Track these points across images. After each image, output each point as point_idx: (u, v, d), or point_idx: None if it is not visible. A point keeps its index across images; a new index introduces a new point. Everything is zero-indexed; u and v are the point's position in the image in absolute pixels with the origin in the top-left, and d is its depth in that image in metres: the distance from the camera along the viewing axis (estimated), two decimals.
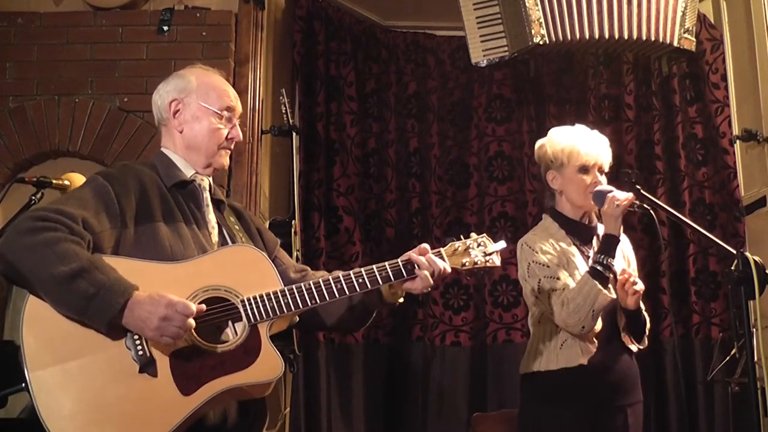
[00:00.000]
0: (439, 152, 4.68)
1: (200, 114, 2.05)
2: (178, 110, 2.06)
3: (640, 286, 2.50)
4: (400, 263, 1.96)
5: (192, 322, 1.76)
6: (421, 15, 4.78)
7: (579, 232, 2.64)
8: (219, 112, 2.06)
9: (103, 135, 3.67)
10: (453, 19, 4.08)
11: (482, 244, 2.01)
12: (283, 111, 3.76)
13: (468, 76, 4.70)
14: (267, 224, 3.71)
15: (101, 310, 1.73)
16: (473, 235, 2.03)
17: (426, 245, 1.99)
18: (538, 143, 2.76)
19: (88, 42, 3.75)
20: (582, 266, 2.56)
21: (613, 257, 2.47)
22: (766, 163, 4.03)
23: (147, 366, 1.77)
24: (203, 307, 1.81)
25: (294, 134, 3.87)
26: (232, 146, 2.11)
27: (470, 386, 4.39)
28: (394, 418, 4.39)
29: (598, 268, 2.45)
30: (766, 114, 4.02)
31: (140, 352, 1.77)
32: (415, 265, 1.95)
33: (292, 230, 3.63)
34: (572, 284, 2.50)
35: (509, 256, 4.37)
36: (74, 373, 1.76)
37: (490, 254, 2.00)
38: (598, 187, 2.55)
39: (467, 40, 3.96)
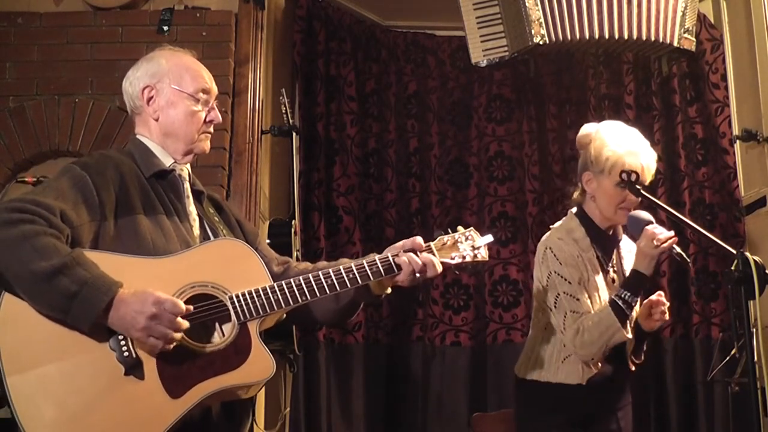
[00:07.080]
0: (439, 152, 4.68)
1: (175, 99, 1.95)
2: (152, 97, 1.96)
3: (667, 316, 2.45)
4: (391, 258, 1.90)
5: (182, 321, 1.68)
6: (421, 15, 4.78)
7: (602, 241, 2.51)
8: (194, 95, 1.96)
9: (103, 135, 3.66)
10: (453, 19, 4.08)
11: (470, 237, 1.97)
12: (283, 111, 3.76)
13: (468, 76, 4.71)
14: (267, 224, 3.72)
15: (84, 309, 1.63)
16: (460, 228, 1.99)
17: (419, 240, 1.93)
18: (585, 130, 2.54)
19: (88, 42, 3.74)
20: (601, 283, 2.45)
21: (638, 296, 2.36)
22: (766, 163, 4.03)
23: (133, 368, 1.68)
24: (190, 307, 1.72)
25: (294, 134, 3.88)
26: (212, 129, 2.01)
27: (470, 386, 4.39)
28: (394, 418, 4.39)
29: (620, 304, 2.32)
30: (766, 114, 4.02)
31: (125, 354, 1.68)
32: (403, 263, 1.88)
33: (292, 230, 3.64)
34: (589, 307, 2.39)
35: (510, 256, 4.47)
36: (55, 377, 1.65)
37: (478, 248, 1.96)
38: (638, 213, 2.40)
39: (467, 40, 3.96)
